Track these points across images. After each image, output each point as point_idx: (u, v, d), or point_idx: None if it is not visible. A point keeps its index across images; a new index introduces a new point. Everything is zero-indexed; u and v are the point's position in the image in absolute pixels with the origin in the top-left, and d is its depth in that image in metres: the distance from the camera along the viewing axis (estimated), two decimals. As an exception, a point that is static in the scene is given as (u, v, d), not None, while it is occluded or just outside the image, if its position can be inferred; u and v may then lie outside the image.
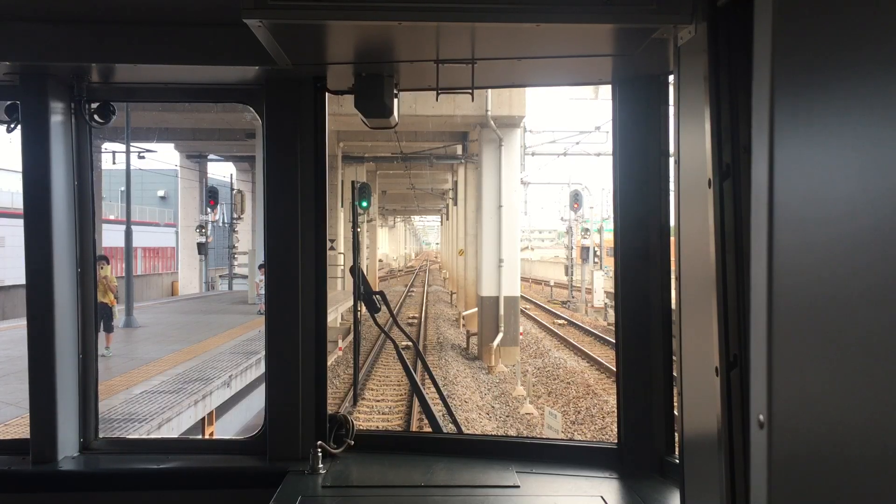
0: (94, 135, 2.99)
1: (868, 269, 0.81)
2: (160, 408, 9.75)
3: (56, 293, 2.72)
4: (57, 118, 2.73)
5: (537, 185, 52.26)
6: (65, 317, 2.78)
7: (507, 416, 14.97)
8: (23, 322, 3.28)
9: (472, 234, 27.92)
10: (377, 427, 13.02)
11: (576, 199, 35.56)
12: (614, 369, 4.95)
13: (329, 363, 4.95)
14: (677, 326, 1.93)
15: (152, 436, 8.69)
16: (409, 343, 3.59)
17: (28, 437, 2.76)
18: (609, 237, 36.45)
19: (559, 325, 28.63)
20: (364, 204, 21.15)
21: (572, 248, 37.67)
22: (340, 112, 13.38)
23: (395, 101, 2.59)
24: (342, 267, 24.27)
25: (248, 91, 2.78)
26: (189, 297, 31.42)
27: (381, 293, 3.11)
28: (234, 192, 32.88)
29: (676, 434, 2.34)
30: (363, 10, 1.85)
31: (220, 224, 35.25)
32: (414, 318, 29.55)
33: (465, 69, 2.36)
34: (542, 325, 28.64)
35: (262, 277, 4.29)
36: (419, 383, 3.52)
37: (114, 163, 28.67)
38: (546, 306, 36.06)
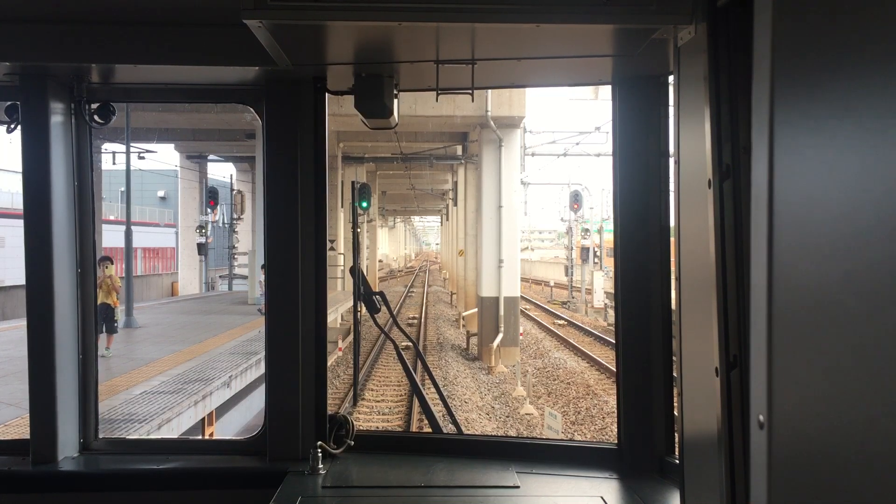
0: (94, 135, 2.99)
1: (868, 269, 0.81)
2: (160, 408, 9.74)
3: (56, 293, 2.72)
4: (57, 119, 2.73)
5: (537, 186, 52.21)
6: (65, 317, 2.78)
7: (507, 417, 14.95)
8: (23, 322, 3.28)
9: (471, 235, 27.90)
10: (377, 427, 13.01)
11: (576, 200, 35.56)
12: (614, 370, 4.95)
13: (329, 363, 4.95)
14: (677, 326, 1.93)
15: (152, 436, 8.69)
16: (409, 343, 3.59)
17: (28, 437, 2.76)
18: (609, 238, 36.45)
19: (559, 325, 28.60)
20: (364, 204, 21.16)
21: (572, 248, 37.68)
22: (340, 112, 13.37)
23: (395, 101, 2.59)
24: (342, 267, 24.29)
25: (248, 91, 2.78)
26: (189, 297, 31.42)
27: (381, 293, 3.11)
28: (234, 192, 32.88)
29: (676, 434, 2.34)
30: (363, 10, 1.85)
31: (220, 224, 35.24)
32: (414, 318, 29.52)
33: (465, 69, 2.36)
34: (542, 326, 28.61)
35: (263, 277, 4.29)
36: (419, 384, 3.52)
37: (114, 163, 28.67)
38: (546, 307, 36.02)
